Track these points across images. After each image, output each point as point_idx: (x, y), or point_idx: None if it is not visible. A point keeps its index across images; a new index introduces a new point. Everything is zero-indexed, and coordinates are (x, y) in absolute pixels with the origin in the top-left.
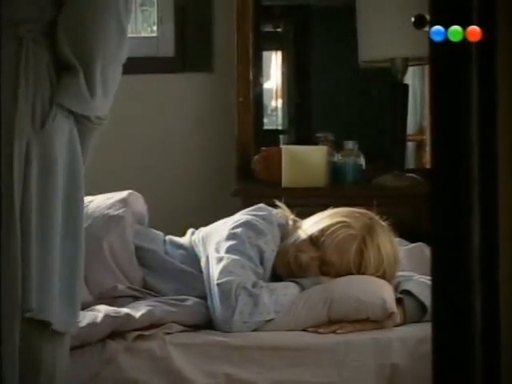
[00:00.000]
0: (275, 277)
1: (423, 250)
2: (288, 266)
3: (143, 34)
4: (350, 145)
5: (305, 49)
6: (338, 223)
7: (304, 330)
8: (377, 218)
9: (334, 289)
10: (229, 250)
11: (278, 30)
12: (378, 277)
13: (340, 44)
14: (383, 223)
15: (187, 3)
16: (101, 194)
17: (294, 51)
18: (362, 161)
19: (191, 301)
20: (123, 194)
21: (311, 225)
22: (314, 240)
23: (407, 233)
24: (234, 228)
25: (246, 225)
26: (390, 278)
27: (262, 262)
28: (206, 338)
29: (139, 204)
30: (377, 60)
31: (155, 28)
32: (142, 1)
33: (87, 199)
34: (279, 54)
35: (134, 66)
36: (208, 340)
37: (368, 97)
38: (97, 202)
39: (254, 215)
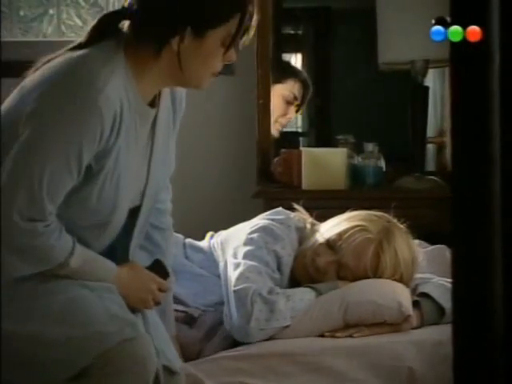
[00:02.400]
0: (293, 281)
1: (444, 252)
2: (306, 270)
3: None
4: (370, 147)
5: (325, 51)
6: (355, 227)
7: (321, 336)
8: (394, 221)
9: (350, 292)
10: (246, 256)
11: (299, 32)
12: (396, 280)
13: (360, 46)
14: (401, 226)
15: None
16: None
17: (314, 53)
18: (383, 163)
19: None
20: None
21: (329, 228)
22: (331, 244)
23: (428, 235)
24: (251, 233)
25: (263, 230)
26: (407, 281)
27: (279, 267)
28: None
29: None
30: (397, 62)
31: None
32: None
33: None
34: (299, 56)
35: None
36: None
37: (388, 99)
38: None
39: (272, 219)
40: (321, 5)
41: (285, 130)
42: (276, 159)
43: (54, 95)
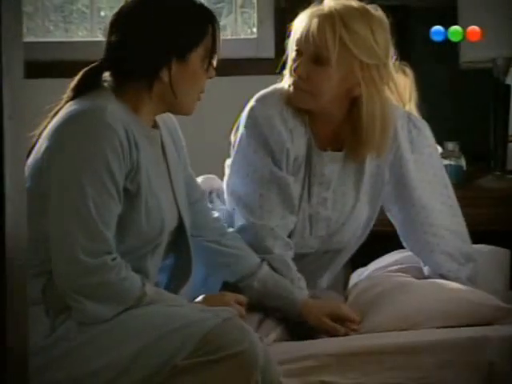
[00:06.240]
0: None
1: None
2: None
3: (242, 36)
4: (451, 146)
5: (405, 49)
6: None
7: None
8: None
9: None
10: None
11: None
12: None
13: (440, 44)
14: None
15: (287, 4)
16: None
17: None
18: (463, 162)
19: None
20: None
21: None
22: (298, 51)
23: (509, 234)
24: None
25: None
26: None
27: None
28: (299, 347)
29: (216, 182)
30: (478, 60)
31: (255, 29)
32: (242, 3)
33: None
34: None
35: (233, 67)
36: (302, 349)
37: (469, 97)
38: None
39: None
40: (400, 3)
41: None
42: None
43: (64, 135)
